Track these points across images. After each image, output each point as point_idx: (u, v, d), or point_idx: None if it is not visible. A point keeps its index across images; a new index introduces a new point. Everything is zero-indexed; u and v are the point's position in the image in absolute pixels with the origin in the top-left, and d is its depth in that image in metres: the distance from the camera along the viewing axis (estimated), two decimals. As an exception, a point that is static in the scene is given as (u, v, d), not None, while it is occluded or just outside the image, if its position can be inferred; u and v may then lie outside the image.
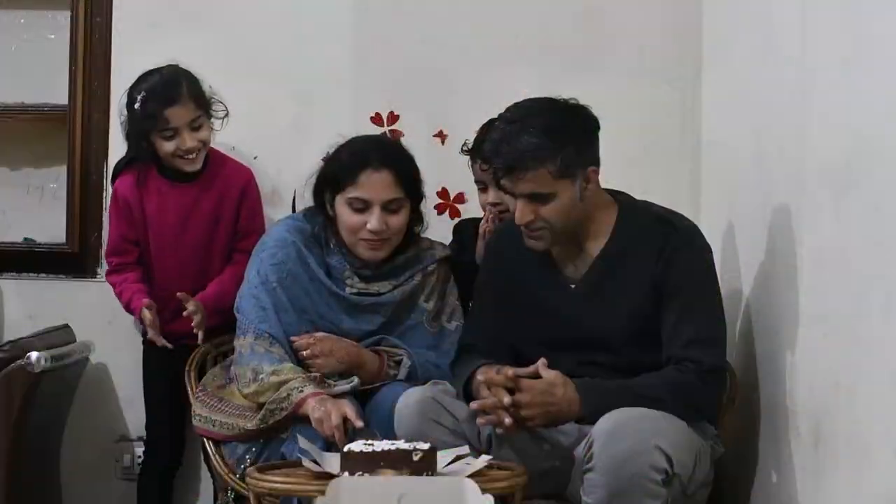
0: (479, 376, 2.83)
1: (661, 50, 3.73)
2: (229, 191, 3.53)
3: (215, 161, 3.55)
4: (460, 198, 3.72)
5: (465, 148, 3.42)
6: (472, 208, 3.64)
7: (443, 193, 3.66)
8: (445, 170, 3.53)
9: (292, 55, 3.76)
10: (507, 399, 2.73)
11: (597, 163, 2.89)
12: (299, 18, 3.76)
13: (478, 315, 3.11)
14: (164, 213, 3.48)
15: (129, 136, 3.46)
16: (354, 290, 3.18)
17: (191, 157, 3.44)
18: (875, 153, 2.28)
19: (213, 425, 3.13)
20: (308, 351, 3.09)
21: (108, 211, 3.61)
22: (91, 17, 3.75)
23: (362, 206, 3.10)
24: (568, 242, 2.94)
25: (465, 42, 3.75)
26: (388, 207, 3.11)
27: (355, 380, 3.09)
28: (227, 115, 3.52)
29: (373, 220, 3.09)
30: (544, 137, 2.79)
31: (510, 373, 2.76)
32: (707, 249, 2.93)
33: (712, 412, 2.87)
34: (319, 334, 3.12)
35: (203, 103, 3.45)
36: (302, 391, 2.97)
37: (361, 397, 3.09)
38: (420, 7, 3.76)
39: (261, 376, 3.04)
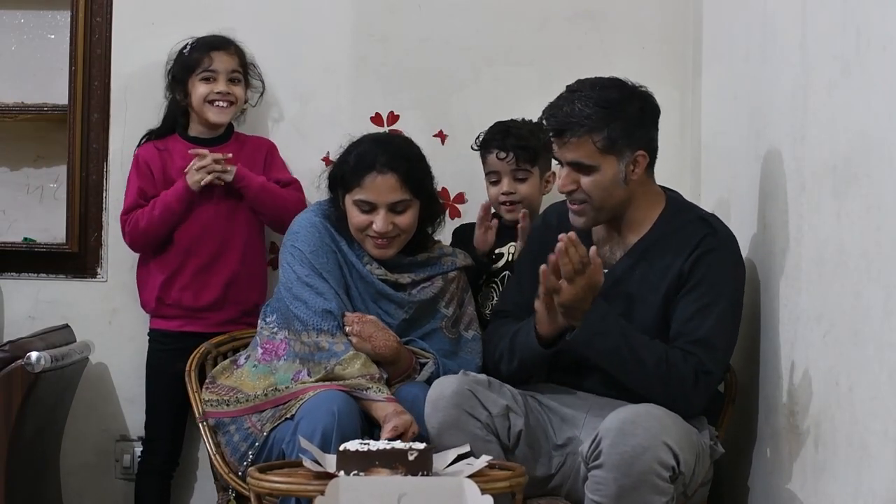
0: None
1: (660, 50, 3.74)
2: (254, 157, 3.61)
3: (239, 135, 3.64)
4: (460, 198, 3.73)
5: (477, 142, 3.45)
6: (472, 209, 3.64)
7: (443, 193, 3.64)
8: (446, 170, 3.52)
9: (292, 55, 3.76)
10: (593, 249, 2.81)
11: (648, 149, 2.92)
12: (299, 18, 3.77)
13: (515, 284, 3.13)
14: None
15: (171, 82, 3.57)
16: (376, 276, 3.19)
17: (221, 104, 3.52)
18: (875, 153, 2.27)
19: (228, 405, 3.14)
20: (349, 328, 3.09)
21: (127, 177, 3.61)
22: (91, 17, 3.75)
23: (368, 208, 3.13)
24: (610, 227, 2.99)
25: (465, 42, 3.75)
26: (395, 209, 3.13)
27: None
28: (262, 92, 3.66)
29: (378, 222, 3.12)
30: (596, 108, 2.85)
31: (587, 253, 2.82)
32: (740, 260, 2.95)
33: (689, 411, 2.84)
34: (369, 317, 3.12)
35: (245, 66, 3.60)
36: (382, 391, 2.96)
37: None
38: (420, 7, 3.76)
39: (327, 368, 3.03)
